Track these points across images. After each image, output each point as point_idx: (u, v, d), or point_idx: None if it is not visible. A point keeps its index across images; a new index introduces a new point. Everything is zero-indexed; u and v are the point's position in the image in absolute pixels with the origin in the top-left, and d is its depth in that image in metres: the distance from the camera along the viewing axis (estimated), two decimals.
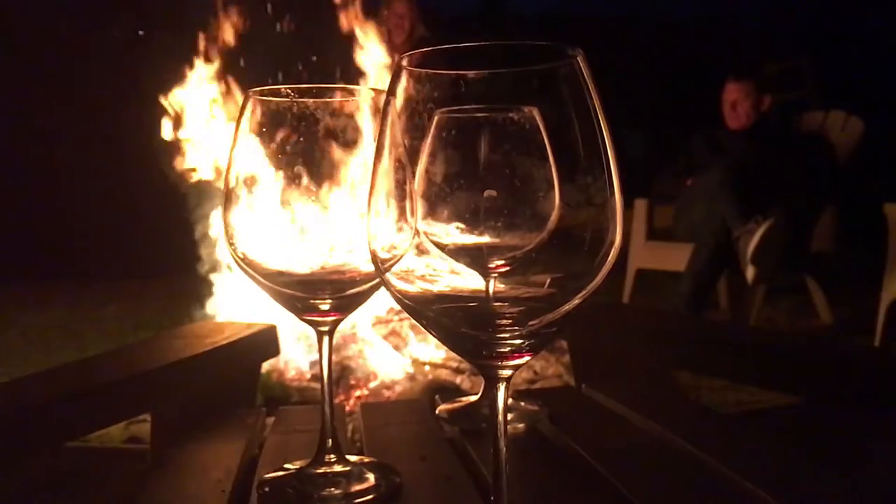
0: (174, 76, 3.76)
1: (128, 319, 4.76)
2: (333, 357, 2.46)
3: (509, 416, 0.95)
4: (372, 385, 2.90)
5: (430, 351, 3.13)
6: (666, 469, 0.82)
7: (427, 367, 3.06)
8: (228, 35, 3.60)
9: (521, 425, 0.93)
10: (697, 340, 1.23)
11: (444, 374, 3.06)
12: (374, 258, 0.57)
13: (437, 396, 1.04)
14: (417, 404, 1.10)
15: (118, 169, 6.17)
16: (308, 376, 3.00)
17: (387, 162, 0.57)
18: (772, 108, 4.34)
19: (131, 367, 1.06)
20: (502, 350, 0.55)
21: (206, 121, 3.55)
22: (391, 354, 3.04)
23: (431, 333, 0.59)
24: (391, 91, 0.57)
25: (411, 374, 2.97)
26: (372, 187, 0.57)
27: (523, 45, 0.54)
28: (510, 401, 0.97)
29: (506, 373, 0.56)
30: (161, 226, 5.37)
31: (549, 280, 0.58)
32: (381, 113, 0.71)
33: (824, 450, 0.90)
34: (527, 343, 0.55)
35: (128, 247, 5.85)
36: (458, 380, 3.03)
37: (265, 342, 1.25)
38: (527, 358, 0.55)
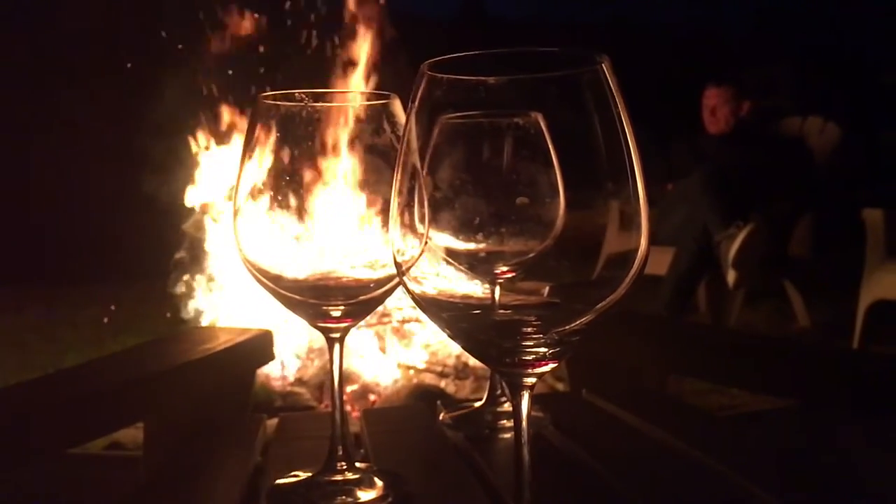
0: (150, 78, 3.74)
1: (105, 324, 4.70)
2: (318, 361, 2.43)
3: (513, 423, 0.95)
4: (355, 389, 2.90)
5: (415, 354, 3.13)
6: (674, 473, 0.82)
7: (412, 371, 3.06)
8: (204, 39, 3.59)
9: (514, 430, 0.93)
10: (692, 344, 1.24)
11: (429, 378, 3.06)
12: (394, 261, 0.57)
13: (438, 403, 1.03)
14: (419, 411, 1.09)
15: (94, 170, 6.10)
16: (291, 380, 2.98)
17: (408, 168, 0.57)
18: (751, 114, 4.39)
19: (128, 374, 1.04)
20: (526, 358, 0.55)
21: (187, 124, 3.53)
22: (376, 358, 3.03)
23: (452, 339, 0.59)
24: (413, 97, 0.57)
25: (396, 377, 2.96)
26: (394, 192, 0.57)
27: (549, 52, 0.54)
28: None
29: (530, 380, 0.56)
30: (138, 228, 5.32)
31: (569, 287, 0.58)
32: (394, 118, 0.71)
33: (823, 452, 0.91)
34: (551, 351, 0.54)
35: (105, 250, 5.79)
36: (442, 383, 3.03)
37: (260, 348, 1.23)
38: (552, 365, 0.55)
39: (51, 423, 0.92)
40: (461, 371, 3.11)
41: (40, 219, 6.28)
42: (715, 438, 0.93)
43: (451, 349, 3.20)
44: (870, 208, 3.63)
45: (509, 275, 0.59)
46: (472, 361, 3.15)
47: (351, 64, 3.43)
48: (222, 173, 3.55)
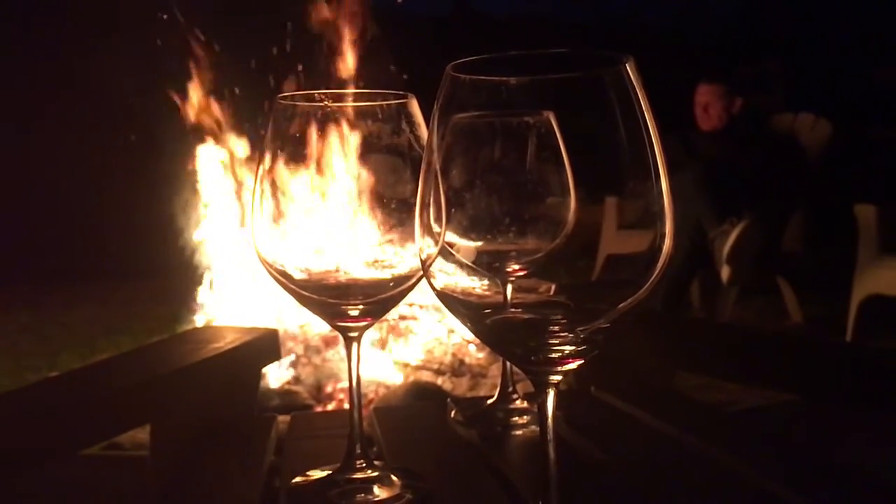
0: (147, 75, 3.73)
1: (98, 323, 4.68)
2: (314, 360, 2.43)
3: (525, 420, 0.96)
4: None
5: (412, 352, 3.13)
6: (689, 469, 0.82)
7: (409, 369, 3.06)
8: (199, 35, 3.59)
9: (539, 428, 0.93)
10: (698, 341, 1.25)
11: (426, 375, 3.06)
12: (419, 257, 0.58)
13: (448, 400, 1.04)
14: (429, 409, 1.09)
15: (85, 166, 6.07)
16: (288, 379, 2.98)
17: (429, 168, 0.57)
18: (742, 111, 4.41)
19: (137, 375, 1.04)
20: (552, 356, 0.55)
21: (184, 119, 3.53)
22: (373, 356, 3.03)
23: (476, 336, 0.59)
24: (437, 98, 0.57)
25: (394, 375, 2.97)
26: (419, 191, 0.57)
27: (574, 52, 0.54)
28: (525, 404, 0.98)
29: (556, 378, 0.57)
30: (129, 227, 5.30)
31: (590, 286, 0.58)
32: (412, 117, 0.71)
33: (833, 446, 0.91)
34: (578, 349, 0.55)
35: (94, 248, 5.76)
36: (439, 381, 3.03)
37: (267, 346, 1.23)
38: (578, 363, 0.56)
39: (60, 425, 0.92)
40: (457, 368, 3.12)
41: (27, 219, 6.24)
42: (727, 434, 0.94)
43: (447, 347, 3.21)
44: (862, 204, 3.66)
45: (521, 273, 0.60)
46: (469, 359, 3.16)
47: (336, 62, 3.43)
48: (214, 170, 3.55)
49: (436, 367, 3.12)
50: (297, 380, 2.95)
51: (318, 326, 3.11)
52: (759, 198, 3.87)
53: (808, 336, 3.95)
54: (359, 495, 0.72)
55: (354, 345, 0.74)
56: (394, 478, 0.75)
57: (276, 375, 2.93)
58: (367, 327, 0.74)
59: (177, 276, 3.58)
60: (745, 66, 5.96)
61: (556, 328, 0.56)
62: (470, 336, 3.17)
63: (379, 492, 0.73)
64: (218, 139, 3.55)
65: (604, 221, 0.56)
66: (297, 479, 0.77)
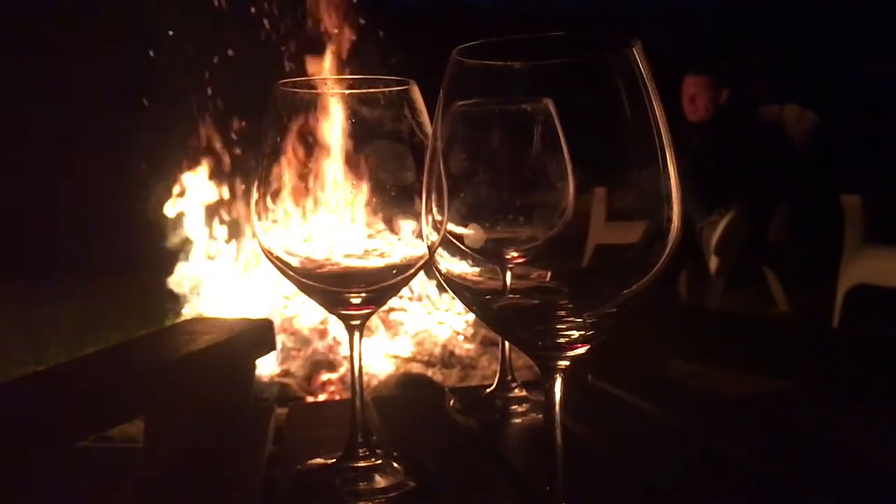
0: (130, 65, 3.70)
1: (86, 317, 4.65)
2: (304, 352, 2.43)
3: (524, 408, 0.96)
4: (340, 376, 2.89)
5: (402, 344, 3.13)
6: (685, 455, 0.83)
7: (399, 361, 3.06)
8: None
9: (538, 416, 0.94)
10: (690, 328, 1.25)
11: (416, 367, 3.06)
12: (425, 243, 0.58)
13: (447, 389, 1.04)
14: (427, 397, 1.09)
15: (69, 161, 6.02)
16: (278, 371, 2.98)
17: (433, 154, 0.57)
18: (729, 102, 4.42)
19: (133, 366, 1.03)
20: (560, 340, 0.55)
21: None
22: (363, 348, 3.03)
23: (483, 321, 0.59)
24: (443, 84, 0.57)
25: (385, 366, 2.97)
26: (424, 178, 0.57)
27: (582, 36, 0.54)
28: (523, 392, 0.98)
29: (563, 363, 0.57)
30: (115, 221, 5.26)
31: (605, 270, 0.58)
32: (413, 103, 0.71)
33: (828, 432, 0.92)
34: (586, 333, 0.55)
35: (81, 242, 5.71)
36: (429, 372, 3.03)
37: (261, 337, 1.23)
38: (585, 348, 0.56)
39: (55, 418, 0.91)
40: (448, 360, 3.12)
41: (13, 214, 6.19)
42: (724, 420, 0.94)
43: (437, 338, 3.21)
44: (848, 194, 3.68)
45: (521, 260, 0.60)
46: (459, 350, 3.16)
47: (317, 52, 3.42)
48: (199, 165, 3.54)
49: (426, 359, 3.12)
50: (286, 372, 2.94)
51: (307, 319, 3.11)
52: (746, 188, 3.89)
53: (800, 324, 3.98)
54: (361, 483, 0.72)
55: (356, 333, 0.74)
56: (396, 465, 0.75)
57: (266, 368, 2.93)
58: (369, 315, 0.74)
59: (164, 269, 3.56)
60: (731, 58, 5.97)
61: (564, 313, 0.56)
62: (461, 327, 3.17)
63: (381, 479, 0.73)
64: (204, 131, 3.54)
65: (592, 212, 0.56)
66: (300, 467, 0.76)
